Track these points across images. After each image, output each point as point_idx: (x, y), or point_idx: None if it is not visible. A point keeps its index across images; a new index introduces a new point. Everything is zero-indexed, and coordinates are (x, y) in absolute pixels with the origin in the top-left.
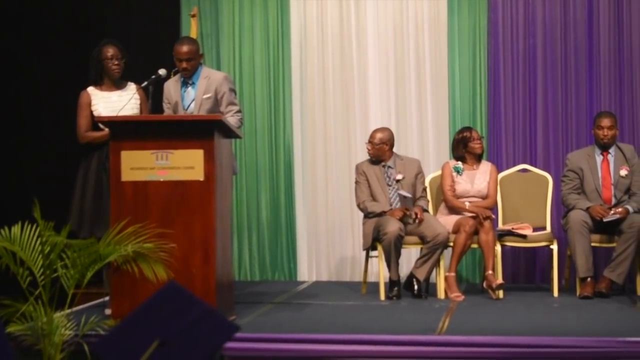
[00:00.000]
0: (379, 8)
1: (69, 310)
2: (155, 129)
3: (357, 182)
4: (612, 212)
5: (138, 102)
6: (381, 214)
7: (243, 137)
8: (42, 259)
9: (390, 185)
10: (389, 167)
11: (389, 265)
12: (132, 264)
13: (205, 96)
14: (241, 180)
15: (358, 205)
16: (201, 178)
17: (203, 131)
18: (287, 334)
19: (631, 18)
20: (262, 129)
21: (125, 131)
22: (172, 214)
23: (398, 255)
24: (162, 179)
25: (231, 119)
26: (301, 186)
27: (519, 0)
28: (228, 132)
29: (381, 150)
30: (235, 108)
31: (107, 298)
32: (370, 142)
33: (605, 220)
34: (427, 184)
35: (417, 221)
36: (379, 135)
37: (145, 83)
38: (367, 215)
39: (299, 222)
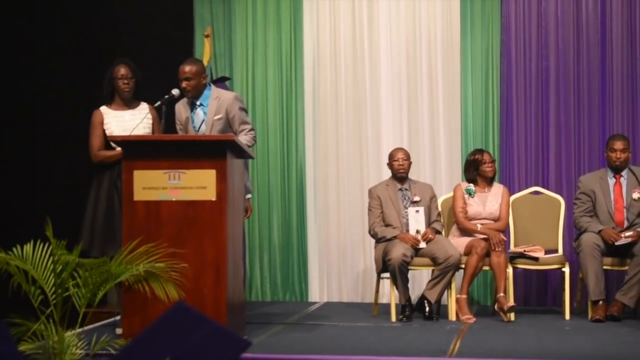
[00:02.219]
0: (392, 29)
1: (80, 330)
2: (168, 149)
3: (370, 208)
4: (624, 235)
5: (150, 121)
6: (392, 238)
7: (256, 157)
8: (54, 277)
9: (406, 208)
10: (406, 189)
11: (397, 289)
12: (143, 283)
13: (216, 117)
14: (253, 200)
15: (369, 231)
16: (213, 198)
17: (215, 151)
18: (298, 355)
19: None
20: (275, 149)
21: (138, 151)
22: (184, 234)
23: (404, 279)
24: (174, 199)
25: (244, 138)
26: (313, 206)
27: (532, 22)
28: (241, 153)
29: (408, 166)
30: (248, 127)
31: (118, 317)
32: (396, 160)
33: (617, 244)
34: (439, 205)
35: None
36: (402, 152)
37: (159, 103)
38: (378, 240)
39: (310, 242)
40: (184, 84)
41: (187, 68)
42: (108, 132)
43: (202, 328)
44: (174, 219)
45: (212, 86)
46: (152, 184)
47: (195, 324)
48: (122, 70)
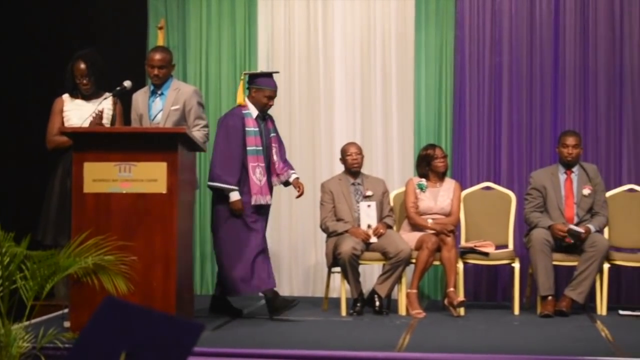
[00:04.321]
0: (347, 24)
1: (27, 323)
2: (118, 141)
3: (322, 202)
4: (573, 227)
5: (111, 112)
6: (343, 233)
7: (207, 151)
8: (1, 270)
9: (358, 202)
10: (358, 184)
11: (348, 283)
12: (92, 276)
13: (173, 108)
14: (204, 194)
15: (320, 226)
16: (164, 191)
17: (167, 144)
18: (246, 349)
19: (597, 38)
20: None
21: (88, 142)
22: (134, 227)
23: (355, 273)
24: (124, 191)
25: (197, 134)
26: None
27: (486, 18)
28: (192, 146)
29: (362, 160)
30: (203, 123)
31: (66, 310)
32: (349, 155)
33: (568, 229)
34: (391, 200)
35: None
36: (354, 147)
37: (110, 94)
38: (330, 234)
39: None
40: (155, 72)
41: (160, 55)
42: (66, 121)
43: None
44: (124, 211)
45: (174, 77)
46: (102, 176)
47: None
48: (81, 69)
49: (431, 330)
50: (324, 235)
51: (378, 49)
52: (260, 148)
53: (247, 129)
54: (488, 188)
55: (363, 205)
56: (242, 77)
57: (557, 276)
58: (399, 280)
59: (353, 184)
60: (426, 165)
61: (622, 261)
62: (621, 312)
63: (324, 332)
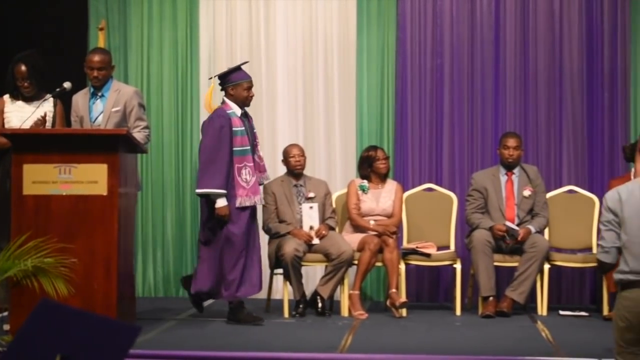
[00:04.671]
0: (289, 26)
1: None
2: (58, 143)
3: (264, 204)
4: (509, 224)
5: (52, 114)
6: (285, 234)
7: (149, 152)
8: None
9: (301, 204)
10: (301, 185)
11: (291, 284)
12: (32, 279)
13: (114, 109)
14: (147, 196)
15: (263, 227)
16: (104, 193)
17: (107, 145)
18: (189, 351)
19: (537, 40)
20: (169, 144)
21: (27, 144)
22: (74, 229)
23: (298, 274)
24: (64, 193)
25: (138, 135)
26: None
27: (427, 20)
28: (133, 147)
29: (304, 162)
30: (143, 124)
31: (5, 313)
32: (292, 156)
33: (506, 227)
34: (333, 201)
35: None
36: (297, 149)
37: (49, 96)
38: (272, 236)
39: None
40: (95, 73)
41: (99, 57)
42: (7, 123)
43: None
44: (64, 213)
45: (114, 78)
46: (42, 178)
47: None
48: (21, 71)
49: (373, 332)
50: (267, 237)
51: (320, 51)
52: (248, 147)
53: (234, 128)
54: (430, 189)
55: (305, 206)
56: (211, 82)
57: (498, 277)
58: (341, 282)
59: (295, 185)
60: (368, 166)
61: (562, 262)
62: (561, 312)
63: (267, 333)
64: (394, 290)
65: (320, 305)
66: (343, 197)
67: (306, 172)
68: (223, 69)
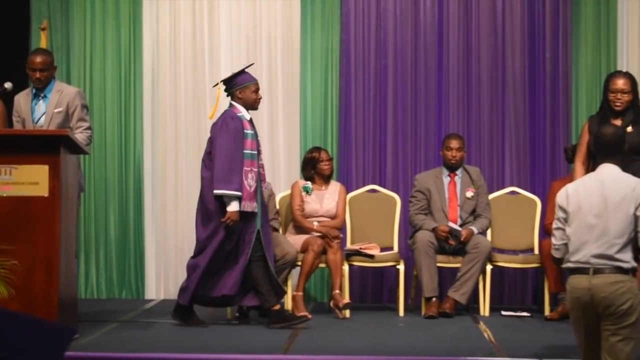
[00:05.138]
0: (232, 27)
1: None
2: None
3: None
4: (452, 225)
5: None
6: None
7: (91, 153)
8: None
9: None
10: None
11: None
12: None
13: (56, 110)
14: (89, 197)
15: None
16: (46, 194)
17: (49, 146)
18: (130, 354)
19: (479, 43)
20: (112, 145)
21: None
22: (15, 230)
23: None
24: (5, 195)
25: (80, 136)
26: (150, 203)
27: (371, 22)
28: (75, 148)
29: None
30: (86, 125)
31: None
32: None
33: (449, 228)
34: (277, 202)
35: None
36: None
37: None
38: None
39: (147, 239)
40: (37, 75)
41: (40, 58)
42: None
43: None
44: (4, 215)
45: (56, 79)
46: None
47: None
48: None
49: (317, 333)
50: None
51: (264, 53)
52: (255, 152)
53: (245, 131)
54: (373, 191)
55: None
56: (217, 87)
57: (441, 278)
58: (285, 283)
59: None
60: (312, 168)
61: (504, 262)
62: (503, 312)
63: (210, 335)
64: (337, 291)
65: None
66: (287, 199)
67: None
68: (166, 69)
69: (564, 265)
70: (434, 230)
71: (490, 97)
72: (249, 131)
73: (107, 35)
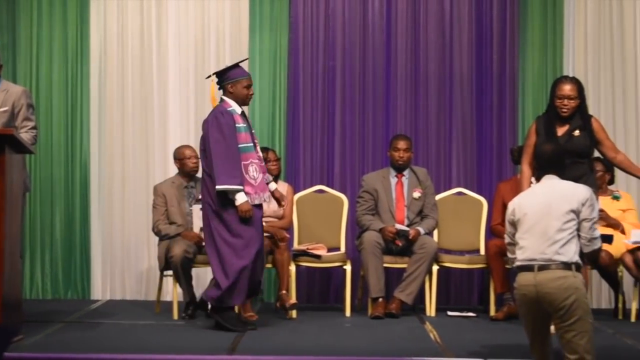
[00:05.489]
0: (181, 26)
1: None
2: None
3: (154, 205)
4: (399, 227)
5: None
6: (175, 236)
7: (37, 152)
8: None
9: (191, 206)
10: (191, 187)
11: (181, 286)
12: None
13: (2, 109)
14: (35, 196)
15: (153, 229)
16: None
17: None
18: (76, 354)
19: (427, 44)
20: (58, 144)
21: None
22: None
23: (188, 276)
24: None
25: (25, 135)
26: (97, 203)
27: (319, 23)
28: (20, 148)
29: (198, 163)
30: (31, 124)
31: None
32: (188, 158)
33: (397, 229)
34: None
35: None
36: (190, 150)
37: None
38: (162, 237)
39: (93, 239)
40: None
41: None
42: None
43: None
44: None
45: (2, 78)
46: None
47: None
48: None
49: (263, 333)
50: (157, 238)
51: (212, 52)
52: (251, 144)
53: (237, 125)
54: (321, 191)
55: (196, 208)
56: (211, 79)
57: (388, 278)
58: None
59: (186, 187)
60: None
61: (450, 263)
62: (449, 312)
63: (156, 335)
64: (284, 291)
65: (210, 306)
66: None
67: (197, 173)
68: (113, 68)
69: (514, 265)
70: (381, 230)
71: (438, 99)
72: (241, 125)
73: (54, 34)
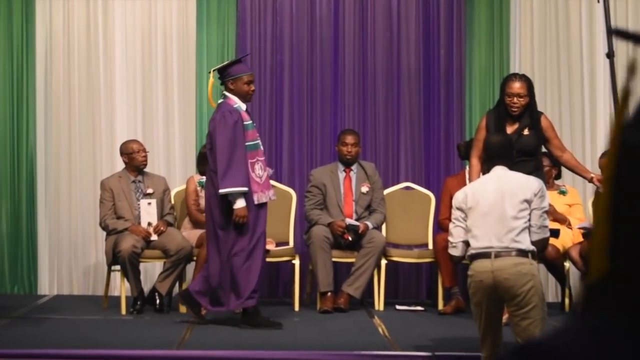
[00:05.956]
0: (127, 21)
1: None
2: None
3: (101, 200)
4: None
5: None
6: (123, 231)
7: None
8: None
9: (139, 200)
10: (139, 181)
11: (128, 281)
12: None
13: None
14: None
15: (100, 224)
16: None
17: None
18: (22, 350)
19: (375, 39)
20: (4, 138)
21: None
22: None
23: (136, 271)
24: None
25: None
26: (44, 197)
27: (267, 17)
28: None
29: (146, 158)
30: None
31: None
32: (137, 152)
33: (347, 224)
34: (172, 197)
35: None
36: (138, 144)
37: None
38: (109, 232)
39: (40, 234)
40: None
41: None
42: None
43: None
44: None
45: None
46: None
47: None
48: None
49: (211, 328)
50: (104, 233)
51: (159, 47)
52: (258, 141)
53: (245, 123)
54: None
55: (143, 202)
56: (210, 75)
57: (336, 273)
58: (180, 278)
59: (134, 181)
60: (207, 162)
61: (399, 257)
62: (398, 307)
63: (104, 331)
64: None
65: (158, 301)
66: (182, 193)
67: (145, 167)
68: (59, 62)
69: (468, 253)
70: (329, 225)
71: (386, 93)
72: (248, 122)
73: None
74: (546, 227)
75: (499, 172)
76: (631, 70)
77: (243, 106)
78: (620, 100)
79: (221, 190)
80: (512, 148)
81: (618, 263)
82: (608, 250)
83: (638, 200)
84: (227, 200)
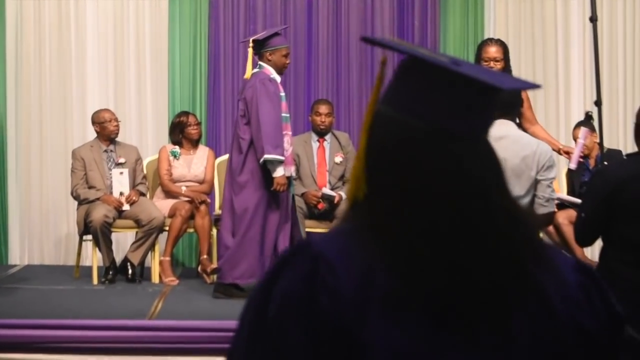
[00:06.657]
0: None
1: None
2: None
3: (73, 169)
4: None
5: None
6: (94, 200)
7: None
8: None
9: (111, 170)
10: (111, 150)
11: (100, 251)
12: None
13: None
14: None
15: (71, 193)
16: None
17: None
18: None
19: (349, 7)
20: None
21: None
22: None
23: (107, 240)
24: None
25: None
26: (14, 168)
27: None
28: None
29: (118, 127)
30: None
31: None
32: (109, 121)
33: (322, 194)
34: (144, 167)
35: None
36: (110, 113)
37: None
38: (81, 202)
39: (11, 204)
40: None
41: None
42: None
43: None
44: None
45: None
46: None
47: None
48: None
49: (184, 298)
50: (76, 203)
51: (132, 16)
52: (288, 115)
53: (280, 94)
54: None
55: (115, 172)
56: (249, 45)
57: None
58: (152, 248)
59: (106, 151)
60: (179, 132)
61: None
62: None
63: (76, 300)
64: (205, 256)
65: (130, 271)
66: (154, 163)
67: (117, 137)
68: (30, 32)
69: None
70: (303, 195)
71: (359, 63)
72: (282, 94)
73: None
74: (554, 199)
75: (504, 129)
76: (383, 63)
77: (278, 78)
78: (376, 83)
79: (266, 156)
80: (520, 97)
81: (368, 190)
82: (364, 181)
83: (378, 150)
84: (266, 170)
